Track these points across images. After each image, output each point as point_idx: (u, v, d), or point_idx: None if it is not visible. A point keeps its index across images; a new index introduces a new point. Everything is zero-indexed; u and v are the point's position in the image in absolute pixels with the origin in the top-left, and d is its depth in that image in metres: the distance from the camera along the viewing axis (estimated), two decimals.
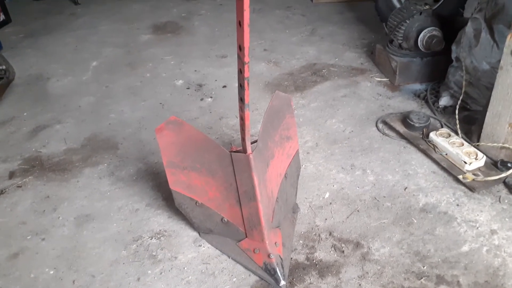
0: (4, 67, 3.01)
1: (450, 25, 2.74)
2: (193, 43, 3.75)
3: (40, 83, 3.20)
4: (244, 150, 1.64)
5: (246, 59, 1.37)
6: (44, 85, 3.17)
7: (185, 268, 1.71)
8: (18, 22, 4.35)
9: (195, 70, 3.26)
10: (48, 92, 3.08)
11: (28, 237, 1.90)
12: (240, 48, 1.36)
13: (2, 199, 2.12)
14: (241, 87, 1.47)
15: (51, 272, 1.73)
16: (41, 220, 1.98)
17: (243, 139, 1.61)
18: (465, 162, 2.06)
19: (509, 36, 1.90)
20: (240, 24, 1.30)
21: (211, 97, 2.90)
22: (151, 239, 1.85)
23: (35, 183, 2.21)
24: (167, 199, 2.02)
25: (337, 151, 2.31)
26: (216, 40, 3.75)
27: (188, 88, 3.02)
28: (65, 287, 1.66)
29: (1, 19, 4.22)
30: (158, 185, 2.13)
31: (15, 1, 4.94)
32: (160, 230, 1.89)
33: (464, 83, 2.43)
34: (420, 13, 2.74)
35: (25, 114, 2.82)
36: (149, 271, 1.71)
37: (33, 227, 1.95)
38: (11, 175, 2.27)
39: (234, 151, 1.67)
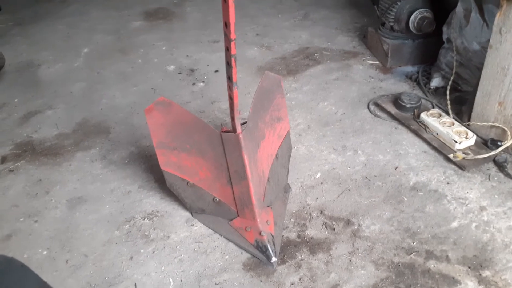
0: None
1: (441, 6, 2.74)
2: (185, 28, 3.72)
3: (31, 70, 3.17)
4: (233, 130, 1.64)
5: (232, 35, 1.36)
6: (35, 72, 3.15)
7: (178, 247, 1.73)
8: (7, 10, 4.28)
9: (187, 55, 3.24)
10: (39, 79, 3.06)
11: (21, 219, 1.90)
12: (226, 24, 1.35)
13: None
14: (228, 65, 1.46)
15: (44, 253, 1.74)
16: (34, 203, 1.99)
17: (233, 118, 1.61)
18: (456, 141, 2.08)
19: (498, 15, 1.90)
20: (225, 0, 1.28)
21: (203, 81, 2.89)
22: (144, 219, 1.86)
23: (27, 167, 2.21)
24: (159, 181, 2.02)
25: (329, 133, 2.32)
26: (208, 26, 3.72)
27: (180, 73, 3.01)
28: (59, 267, 1.68)
29: None
30: (150, 168, 2.13)
31: None
32: (152, 211, 1.90)
33: (455, 64, 2.44)
34: None
35: (16, 100, 2.80)
36: (142, 250, 1.72)
37: (26, 209, 1.95)
38: (3, 159, 2.27)
39: (224, 131, 1.68)
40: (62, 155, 2.28)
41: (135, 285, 1.60)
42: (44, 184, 2.09)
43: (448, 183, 1.96)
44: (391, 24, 2.82)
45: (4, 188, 2.09)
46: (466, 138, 2.09)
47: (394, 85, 2.71)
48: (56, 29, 3.81)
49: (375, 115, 2.42)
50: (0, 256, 0.84)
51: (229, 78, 1.47)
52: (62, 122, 2.55)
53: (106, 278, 1.62)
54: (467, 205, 1.85)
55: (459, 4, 2.35)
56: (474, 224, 1.76)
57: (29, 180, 2.12)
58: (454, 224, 1.77)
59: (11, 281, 0.79)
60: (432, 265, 1.61)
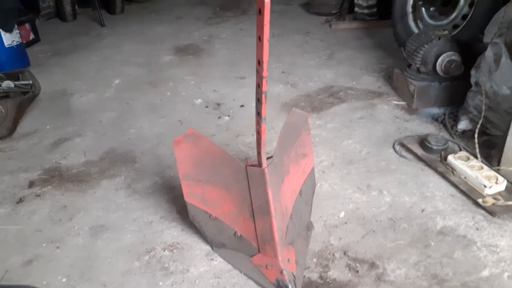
0: (30, 82, 3.13)
1: (469, 50, 2.74)
2: (213, 64, 3.83)
3: (64, 98, 3.30)
4: (259, 164, 1.64)
5: (265, 73, 1.40)
6: (67, 100, 3.27)
7: (197, 281, 1.70)
8: (47, 41, 4.54)
9: (214, 90, 3.32)
10: (71, 107, 3.17)
11: (43, 245, 1.92)
12: (259, 62, 1.39)
13: (20, 207, 2.16)
14: (258, 101, 1.49)
15: (64, 280, 1.74)
16: (57, 229, 2.01)
17: (259, 153, 1.62)
18: (485, 186, 2.02)
19: None
20: (260, 39, 1.32)
21: (228, 115, 2.94)
22: (164, 251, 1.84)
23: (53, 192, 2.25)
24: (181, 212, 2.02)
25: (353, 171, 2.30)
26: (236, 62, 3.82)
27: (206, 107, 3.08)
28: None
29: (31, 38, 4.42)
30: (173, 199, 2.14)
31: (44, 22, 5.17)
32: (173, 243, 1.89)
33: (483, 107, 2.41)
34: (439, 38, 2.75)
35: (47, 127, 2.90)
36: (161, 283, 1.69)
37: (49, 235, 1.97)
38: (31, 184, 2.32)
39: (250, 165, 1.68)
40: (87, 182, 2.32)
41: None
42: (69, 210, 2.12)
43: (477, 229, 1.89)
44: (418, 66, 2.83)
45: (29, 212, 2.12)
46: (496, 183, 2.03)
47: (420, 126, 2.68)
48: (91, 61, 3.99)
49: (401, 156, 2.39)
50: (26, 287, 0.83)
51: (259, 113, 1.49)
52: (90, 150, 2.62)
53: None
54: (498, 253, 1.76)
55: (489, 48, 2.35)
56: (506, 274, 1.67)
57: (54, 206, 2.16)
58: (485, 273, 1.68)
59: None
60: None
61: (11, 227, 2.03)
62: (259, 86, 1.44)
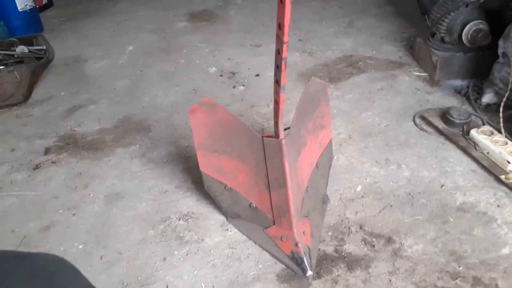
0: (44, 47, 3.09)
1: (498, 19, 2.60)
2: (228, 31, 3.73)
3: (78, 64, 3.27)
4: (276, 135, 1.60)
5: (285, 38, 1.31)
6: (81, 66, 3.24)
7: (211, 251, 1.70)
8: (60, 6, 4.47)
9: (229, 58, 3.24)
10: (85, 74, 3.14)
11: (60, 211, 1.93)
12: (280, 26, 1.30)
13: (37, 173, 2.17)
14: (278, 68, 1.42)
15: (80, 247, 1.76)
16: (73, 196, 2.02)
17: (276, 123, 1.57)
18: (509, 162, 1.95)
19: None
20: (281, 0, 1.24)
21: (243, 85, 2.88)
22: (179, 220, 1.84)
23: (68, 160, 2.25)
24: (196, 182, 2.01)
25: (371, 144, 2.24)
26: (251, 30, 3.72)
27: (221, 76, 3.01)
28: (93, 262, 1.68)
29: (44, 3, 4.35)
30: (188, 169, 2.12)
31: None
32: (188, 212, 1.88)
33: (511, 79, 2.30)
34: (466, 5, 2.61)
35: (62, 93, 2.89)
36: (176, 252, 1.70)
37: (65, 202, 1.99)
38: (47, 151, 2.33)
39: (266, 136, 1.64)
40: (102, 150, 2.31)
41: (167, 287, 1.58)
42: (84, 178, 2.12)
43: (498, 206, 1.84)
44: (442, 35, 2.70)
45: (46, 179, 2.13)
46: None
47: (442, 98, 2.59)
48: (104, 26, 3.92)
49: (421, 129, 2.32)
50: (52, 256, 0.82)
51: (277, 82, 1.43)
52: (105, 117, 2.60)
53: (139, 278, 1.61)
54: None
55: None
56: None
57: (69, 173, 2.16)
58: (505, 251, 1.65)
59: (62, 282, 0.78)
60: None
61: (28, 193, 2.05)
62: (278, 52, 1.36)
